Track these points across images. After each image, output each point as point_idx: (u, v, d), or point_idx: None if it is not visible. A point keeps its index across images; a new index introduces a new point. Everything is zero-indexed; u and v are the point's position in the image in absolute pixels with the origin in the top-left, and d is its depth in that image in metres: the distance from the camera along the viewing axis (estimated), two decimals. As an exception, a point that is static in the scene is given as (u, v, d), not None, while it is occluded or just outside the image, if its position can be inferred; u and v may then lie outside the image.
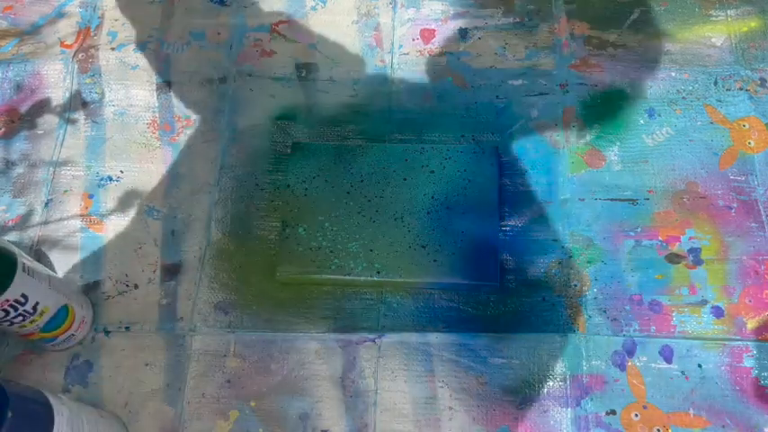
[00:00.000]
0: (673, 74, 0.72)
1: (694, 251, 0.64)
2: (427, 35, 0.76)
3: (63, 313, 0.58)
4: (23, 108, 0.73)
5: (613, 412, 0.58)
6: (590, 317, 0.62)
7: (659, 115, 0.70)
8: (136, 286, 0.65)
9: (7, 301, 0.52)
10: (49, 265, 0.66)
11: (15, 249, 0.54)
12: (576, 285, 0.63)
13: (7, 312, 0.53)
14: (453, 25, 0.76)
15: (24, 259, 0.54)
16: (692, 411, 0.58)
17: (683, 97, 0.71)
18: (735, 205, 0.65)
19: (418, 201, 0.65)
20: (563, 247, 0.64)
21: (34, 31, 0.78)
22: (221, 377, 0.61)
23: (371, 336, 0.62)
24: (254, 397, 0.60)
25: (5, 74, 0.75)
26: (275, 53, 0.75)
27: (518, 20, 0.76)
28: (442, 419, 0.59)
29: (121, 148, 0.71)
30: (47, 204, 0.69)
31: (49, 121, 0.73)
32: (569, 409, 0.59)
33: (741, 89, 0.71)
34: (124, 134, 0.72)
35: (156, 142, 0.71)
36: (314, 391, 0.60)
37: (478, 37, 0.75)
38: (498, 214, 0.64)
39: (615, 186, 0.67)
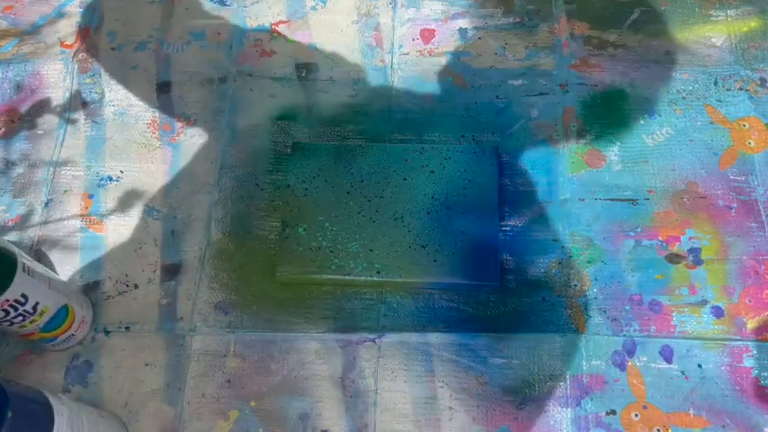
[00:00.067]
0: (673, 74, 0.72)
1: (694, 251, 0.64)
2: (427, 35, 0.76)
3: (63, 313, 0.58)
4: (23, 108, 0.73)
5: (613, 412, 0.58)
6: (590, 317, 0.62)
7: (659, 115, 0.70)
8: (136, 286, 0.65)
9: (7, 301, 0.52)
10: (49, 265, 0.66)
11: (15, 249, 0.54)
12: (576, 285, 0.63)
13: (7, 312, 0.53)
14: (453, 25, 0.76)
15: (24, 259, 0.54)
16: (692, 411, 0.58)
17: (683, 97, 0.71)
18: (735, 205, 0.65)
19: (418, 201, 0.65)
20: (563, 247, 0.64)
21: (34, 31, 0.78)
22: (221, 377, 0.61)
23: (371, 336, 0.62)
24: (254, 397, 0.60)
25: (5, 74, 0.75)
26: (275, 53, 0.75)
27: (518, 20, 0.76)
28: (441, 419, 0.59)
29: (121, 148, 0.71)
30: (47, 204, 0.69)
31: (49, 121, 0.73)
32: (569, 409, 0.59)
33: (741, 89, 0.71)
34: (124, 134, 0.72)
35: (156, 142, 0.71)
36: (314, 391, 0.60)
37: (478, 37, 0.75)
38: (498, 214, 0.64)
39: (615, 186, 0.67)
